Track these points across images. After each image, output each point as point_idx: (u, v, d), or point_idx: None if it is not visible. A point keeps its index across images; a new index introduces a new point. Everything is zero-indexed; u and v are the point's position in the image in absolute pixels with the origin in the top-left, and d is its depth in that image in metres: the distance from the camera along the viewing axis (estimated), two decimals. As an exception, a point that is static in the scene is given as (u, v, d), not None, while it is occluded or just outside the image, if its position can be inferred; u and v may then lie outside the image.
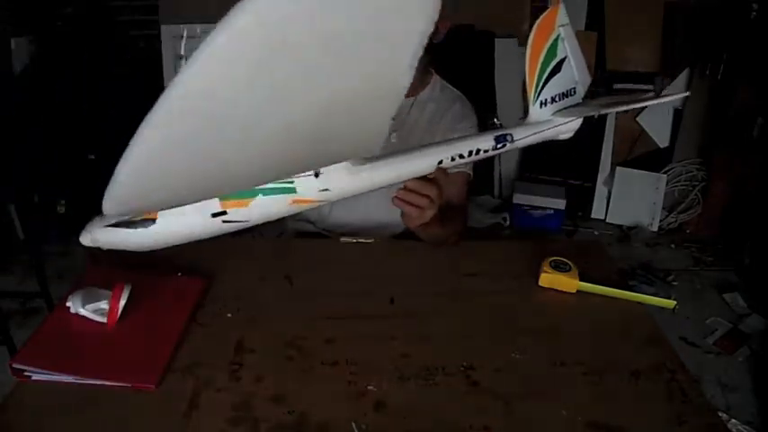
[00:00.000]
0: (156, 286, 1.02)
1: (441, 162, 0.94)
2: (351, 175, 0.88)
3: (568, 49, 1.03)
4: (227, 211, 0.83)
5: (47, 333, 0.94)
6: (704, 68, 3.02)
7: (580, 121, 1.03)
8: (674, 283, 2.68)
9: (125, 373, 0.86)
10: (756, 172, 2.76)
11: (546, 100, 1.02)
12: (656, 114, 3.23)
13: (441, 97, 1.44)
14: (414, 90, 1.43)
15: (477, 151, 0.96)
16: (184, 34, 2.85)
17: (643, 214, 3.16)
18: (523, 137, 1.00)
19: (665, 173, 3.16)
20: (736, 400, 2.00)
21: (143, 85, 2.87)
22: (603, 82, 3.15)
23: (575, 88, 1.06)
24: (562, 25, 1.01)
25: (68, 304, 0.96)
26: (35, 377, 0.86)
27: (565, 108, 1.03)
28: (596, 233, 3.14)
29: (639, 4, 3.14)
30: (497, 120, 0.90)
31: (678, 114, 3.20)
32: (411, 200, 1.01)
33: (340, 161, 0.86)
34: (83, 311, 0.95)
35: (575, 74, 1.05)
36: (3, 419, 0.80)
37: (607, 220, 3.22)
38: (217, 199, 0.82)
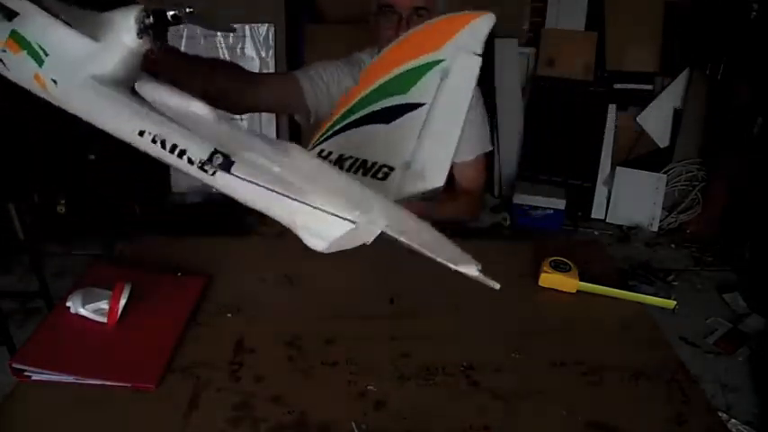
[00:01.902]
0: (156, 286, 1.02)
1: (142, 133, 0.65)
2: (79, 84, 0.72)
3: (445, 98, 0.59)
4: (6, 49, 0.77)
5: (47, 333, 0.94)
6: (704, 68, 3.03)
7: (343, 228, 0.59)
8: (674, 283, 2.68)
9: (125, 373, 0.86)
10: (756, 172, 2.76)
11: (322, 151, 0.67)
12: (656, 114, 3.23)
13: None
14: None
15: (182, 153, 0.63)
16: (184, 34, 2.85)
17: (643, 214, 3.16)
18: (242, 175, 0.60)
19: (665, 173, 3.16)
20: (736, 400, 2.00)
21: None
22: (604, 82, 3.15)
23: (391, 169, 0.62)
24: (466, 51, 0.60)
25: (68, 304, 0.96)
26: (35, 377, 0.86)
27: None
28: (596, 233, 3.14)
29: (639, 4, 3.14)
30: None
31: (678, 114, 3.20)
32: None
33: None
34: (83, 311, 0.95)
35: (418, 145, 0.60)
36: (3, 419, 0.80)
37: (607, 220, 3.22)
38: (6, 34, 0.77)
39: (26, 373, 0.86)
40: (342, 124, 0.64)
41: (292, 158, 0.53)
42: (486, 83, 3.11)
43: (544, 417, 0.82)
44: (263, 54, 2.86)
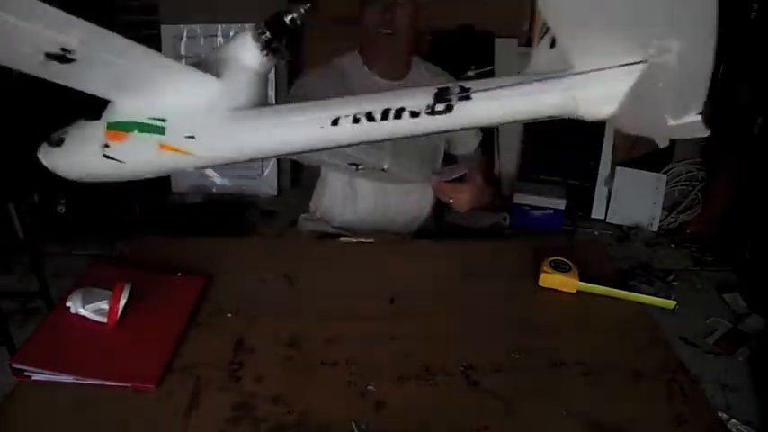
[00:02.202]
0: (156, 286, 1.02)
1: (336, 122, 0.62)
2: (222, 123, 0.67)
3: None
4: (110, 144, 0.72)
5: (47, 333, 0.94)
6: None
7: (630, 78, 0.49)
8: (674, 283, 2.67)
9: (125, 373, 0.86)
10: (756, 172, 2.75)
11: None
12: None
13: (427, 73, 1.49)
14: (402, 75, 1.46)
15: (399, 113, 0.59)
16: (184, 34, 2.85)
17: (643, 214, 3.16)
18: (488, 89, 0.56)
19: (665, 173, 3.16)
20: (736, 400, 2.00)
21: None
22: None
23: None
24: None
25: (68, 304, 0.96)
26: (35, 377, 0.86)
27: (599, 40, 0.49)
28: (596, 233, 3.14)
29: (639, 3, 3.14)
30: (472, 69, 0.58)
31: (678, 114, 3.20)
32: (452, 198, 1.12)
33: None
34: (83, 311, 0.95)
35: None
36: (3, 419, 0.80)
37: (607, 220, 3.22)
38: (105, 128, 0.73)
39: (26, 373, 0.86)
40: None
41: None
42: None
43: (544, 417, 0.82)
44: (263, 54, 2.86)
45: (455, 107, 0.56)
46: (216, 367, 0.89)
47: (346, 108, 0.61)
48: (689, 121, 0.50)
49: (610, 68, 0.49)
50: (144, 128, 0.69)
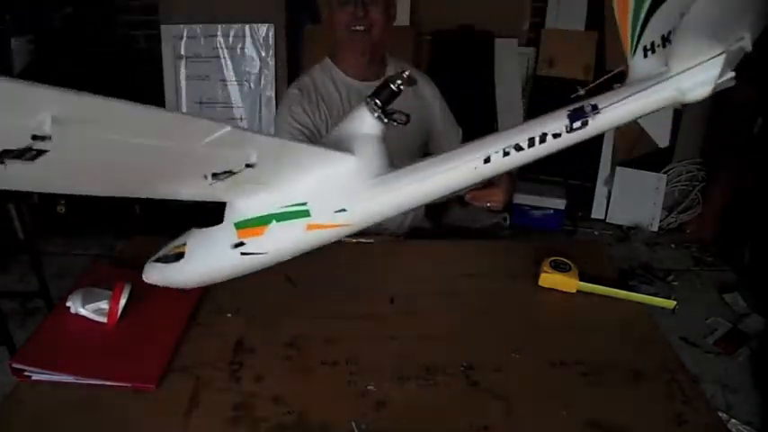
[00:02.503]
0: (157, 286, 1.02)
1: (488, 160, 0.69)
2: (371, 190, 0.73)
3: None
4: (245, 241, 0.77)
5: (47, 333, 0.94)
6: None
7: (718, 64, 0.62)
8: (674, 283, 2.67)
9: (125, 373, 0.86)
10: (756, 172, 2.75)
11: (652, 44, 0.66)
12: (656, 114, 3.21)
13: (402, 69, 1.47)
14: (378, 73, 1.45)
15: (543, 138, 0.68)
16: (184, 34, 2.85)
17: (643, 214, 3.16)
18: (614, 103, 0.65)
19: (665, 173, 3.16)
20: (736, 400, 2.00)
21: (143, 85, 2.87)
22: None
23: None
24: None
25: (68, 304, 0.96)
26: (35, 377, 0.86)
27: (690, 46, 0.62)
28: (596, 233, 3.13)
29: (639, 3, 3.14)
30: (581, 89, 0.63)
31: (678, 114, 3.20)
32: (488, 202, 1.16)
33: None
34: (83, 311, 0.95)
35: None
36: (3, 419, 0.80)
37: (607, 220, 3.22)
38: (235, 228, 0.77)
39: (26, 373, 0.86)
40: (643, 11, 0.67)
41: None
42: (486, 83, 3.11)
43: (544, 417, 0.82)
44: (263, 54, 2.86)
45: (590, 122, 0.67)
46: (216, 367, 0.89)
47: (495, 145, 0.69)
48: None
49: (703, 62, 0.62)
50: (283, 216, 0.74)
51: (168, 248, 0.85)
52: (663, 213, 3.16)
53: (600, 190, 3.24)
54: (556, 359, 0.92)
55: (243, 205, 0.76)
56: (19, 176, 0.54)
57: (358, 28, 1.34)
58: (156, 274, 0.86)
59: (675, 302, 1.07)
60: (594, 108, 0.66)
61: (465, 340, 0.96)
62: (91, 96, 0.49)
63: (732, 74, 0.64)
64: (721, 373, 2.12)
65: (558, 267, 1.08)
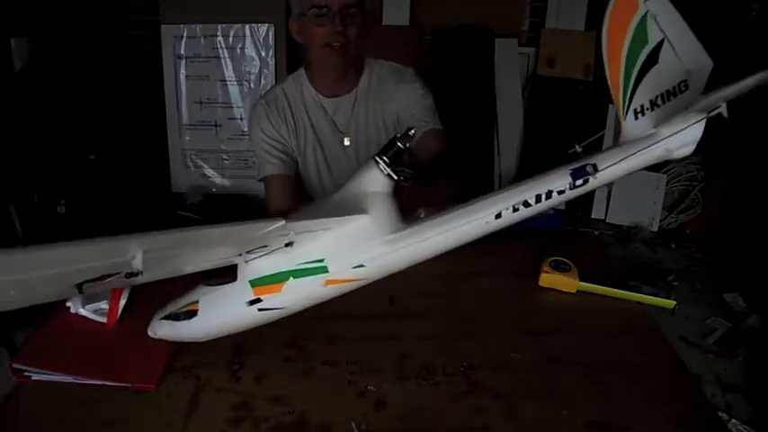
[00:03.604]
0: (156, 286, 1.02)
1: (499, 215, 0.76)
2: (387, 246, 0.78)
3: (664, 27, 0.77)
4: (262, 298, 0.79)
5: (47, 333, 0.94)
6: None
7: (700, 128, 0.75)
8: (675, 283, 2.67)
9: (125, 373, 0.86)
10: (756, 172, 2.75)
11: (642, 107, 0.77)
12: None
13: (379, 77, 1.44)
14: (349, 87, 1.43)
15: (549, 194, 0.76)
16: (184, 34, 2.85)
17: (643, 214, 3.16)
18: (613, 163, 0.75)
19: (665, 173, 3.16)
20: (736, 400, 2.00)
21: (143, 85, 2.88)
22: (604, 82, 3.14)
23: (685, 81, 0.78)
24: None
25: (68, 304, 0.96)
26: (35, 377, 0.86)
27: (674, 113, 0.75)
28: (596, 233, 3.13)
29: (639, 3, 3.13)
30: (578, 147, 0.68)
31: (678, 114, 3.20)
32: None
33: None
34: (83, 311, 0.95)
35: (681, 61, 0.78)
36: (3, 419, 0.80)
37: (607, 220, 3.22)
38: (250, 286, 0.79)
39: (26, 373, 0.86)
40: (632, 81, 0.77)
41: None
42: (486, 83, 3.11)
43: (544, 417, 0.82)
44: (263, 54, 2.85)
45: (590, 180, 0.75)
46: (216, 367, 0.89)
47: (506, 201, 0.76)
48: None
49: (688, 127, 0.74)
50: (301, 273, 0.78)
51: (177, 306, 0.86)
52: (663, 213, 3.16)
53: (600, 190, 3.24)
54: (556, 359, 0.92)
55: (257, 264, 0.78)
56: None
57: (334, 44, 1.30)
58: (165, 330, 0.87)
59: (675, 302, 1.07)
60: (595, 168, 0.75)
61: (465, 340, 0.96)
62: (174, 233, 0.60)
63: (700, 128, 0.75)
64: (721, 373, 2.12)
65: (558, 267, 1.08)
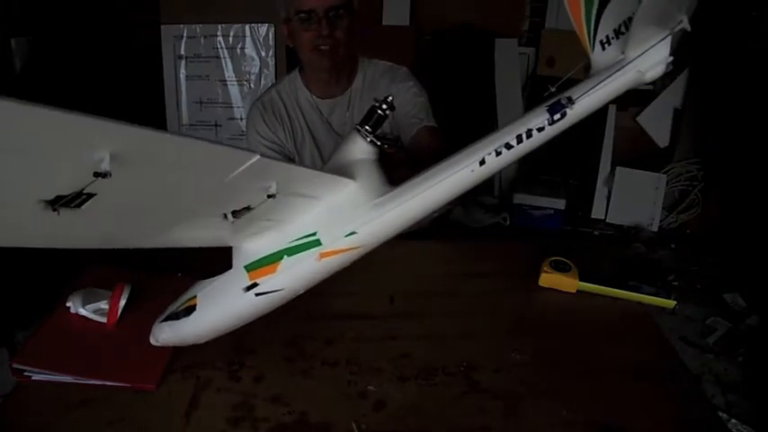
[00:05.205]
0: (156, 286, 1.02)
1: (483, 161, 0.74)
2: (376, 210, 0.75)
3: None
4: (258, 281, 0.78)
5: (47, 333, 0.94)
6: (704, 68, 3.02)
7: (667, 45, 0.72)
8: (675, 283, 2.68)
9: (125, 373, 0.86)
10: (756, 172, 2.75)
11: (607, 37, 0.77)
12: (656, 114, 3.22)
13: (373, 74, 1.45)
14: (344, 87, 1.43)
15: (529, 133, 0.74)
16: (184, 34, 2.85)
17: (643, 214, 3.16)
18: (586, 92, 0.73)
19: (665, 173, 3.16)
20: (736, 400, 2.00)
21: (143, 85, 2.88)
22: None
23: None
24: None
25: (68, 304, 0.96)
26: (35, 377, 0.86)
27: (642, 33, 0.72)
28: (596, 233, 3.14)
29: (639, 3, 3.14)
30: (552, 87, 0.68)
31: (678, 114, 3.20)
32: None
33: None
34: (83, 311, 0.95)
35: None
36: (3, 419, 0.80)
37: (607, 220, 3.22)
38: (246, 272, 0.78)
39: (26, 373, 0.86)
40: (593, 10, 0.78)
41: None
42: (486, 83, 3.11)
43: (544, 417, 0.82)
44: (263, 54, 2.86)
45: (568, 112, 0.73)
46: (216, 367, 0.89)
47: (487, 147, 0.74)
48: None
49: (655, 45, 0.71)
50: (294, 250, 0.77)
51: (175, 306, 0.85)
52: (663, 213, 3.16)
53: (600, 190, 3.24)
54: (556, 359, 0.92)
55: (251, 247, 0.78)
56: (66, 227, 0.56)
57: (323, 48, 1.30)
58: (167, 333, 0.85)
59: (675, 302, 1.07)
60: (570, 100, 0.73)
61: (465, 340, 0.96)
62: (149, 130, 0.48)
63: (671, 58, 0.72)
64: (721, 373, 2.12)
65: (558, 267, 1.08)
